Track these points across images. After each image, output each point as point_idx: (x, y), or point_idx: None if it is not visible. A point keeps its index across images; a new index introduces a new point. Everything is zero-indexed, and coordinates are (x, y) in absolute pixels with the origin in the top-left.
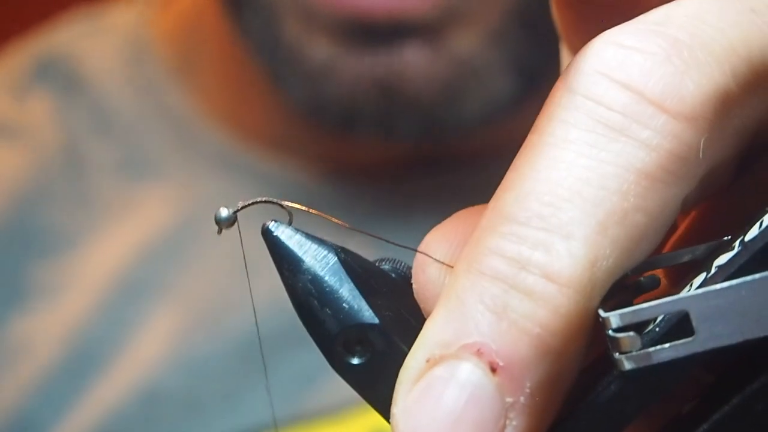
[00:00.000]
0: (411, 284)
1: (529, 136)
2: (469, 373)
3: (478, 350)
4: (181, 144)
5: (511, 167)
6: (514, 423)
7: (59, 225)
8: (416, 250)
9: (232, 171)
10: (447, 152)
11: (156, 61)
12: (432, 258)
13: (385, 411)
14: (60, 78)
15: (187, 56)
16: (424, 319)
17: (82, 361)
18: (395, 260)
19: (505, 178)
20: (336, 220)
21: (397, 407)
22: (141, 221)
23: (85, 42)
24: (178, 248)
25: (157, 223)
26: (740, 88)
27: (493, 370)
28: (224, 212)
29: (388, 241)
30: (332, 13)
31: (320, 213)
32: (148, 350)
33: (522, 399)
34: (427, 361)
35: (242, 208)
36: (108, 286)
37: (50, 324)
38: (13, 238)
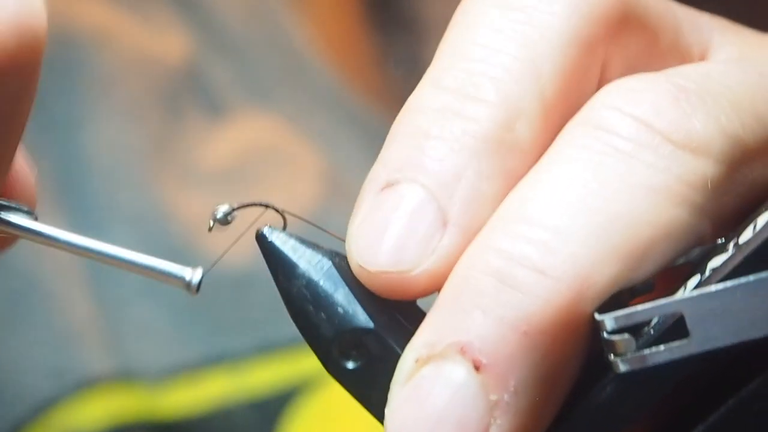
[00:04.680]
0: None
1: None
2: (452, 371)
3: (462, 348)
4: (290, 75)
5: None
6: (498, 422)
7: (180, 128)
8: None
9: (334, 111)
10: None
11: None
12: None
13: (379, 414)
14: None
15: None
16: (420, 323)
17: (175, 243)
18: None
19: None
20: (333, 234)
21: (388, 407)
22: (247, 133)
23: None
24: (274, 163)
25: (261, 138)
26: (750, 140)
27: (477, 368)
28: (221, 212)
29: None
30: None
31: (318, 225)
32: (245, 239)
33: (506, 397)
34: (416, 361)
35: (237, 209)
36: (209, 181)
37: (155, 200)
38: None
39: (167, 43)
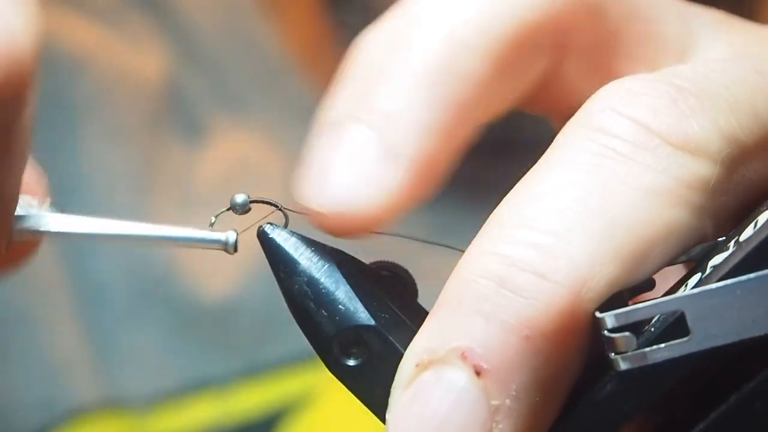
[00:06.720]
0: (408, 286)
1: (537, 163)
2: (453, 377)
3: (463, 354)
4: (265, 84)
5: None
6: (500, 426)
7: (164, 148)
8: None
9: (310, 120)
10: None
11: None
12: None
13: (380, 413)
14: (149, 5)
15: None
16: (421, 321)
17: (158, 269)
18: (393, 263)
19: (509, 192)
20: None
21: (390, 412)
22: (227, 150)
23: None
24: (254, 177)
25: (240, 154)
26: (748, 139)
27: (478, 373)
28: (240, 198)
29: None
30: None
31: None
32: (228, 263)
33: (508, 402)
34: (417, 366)
35: (254, 201)
36: (195, 201)
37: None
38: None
39: (146, 60)
